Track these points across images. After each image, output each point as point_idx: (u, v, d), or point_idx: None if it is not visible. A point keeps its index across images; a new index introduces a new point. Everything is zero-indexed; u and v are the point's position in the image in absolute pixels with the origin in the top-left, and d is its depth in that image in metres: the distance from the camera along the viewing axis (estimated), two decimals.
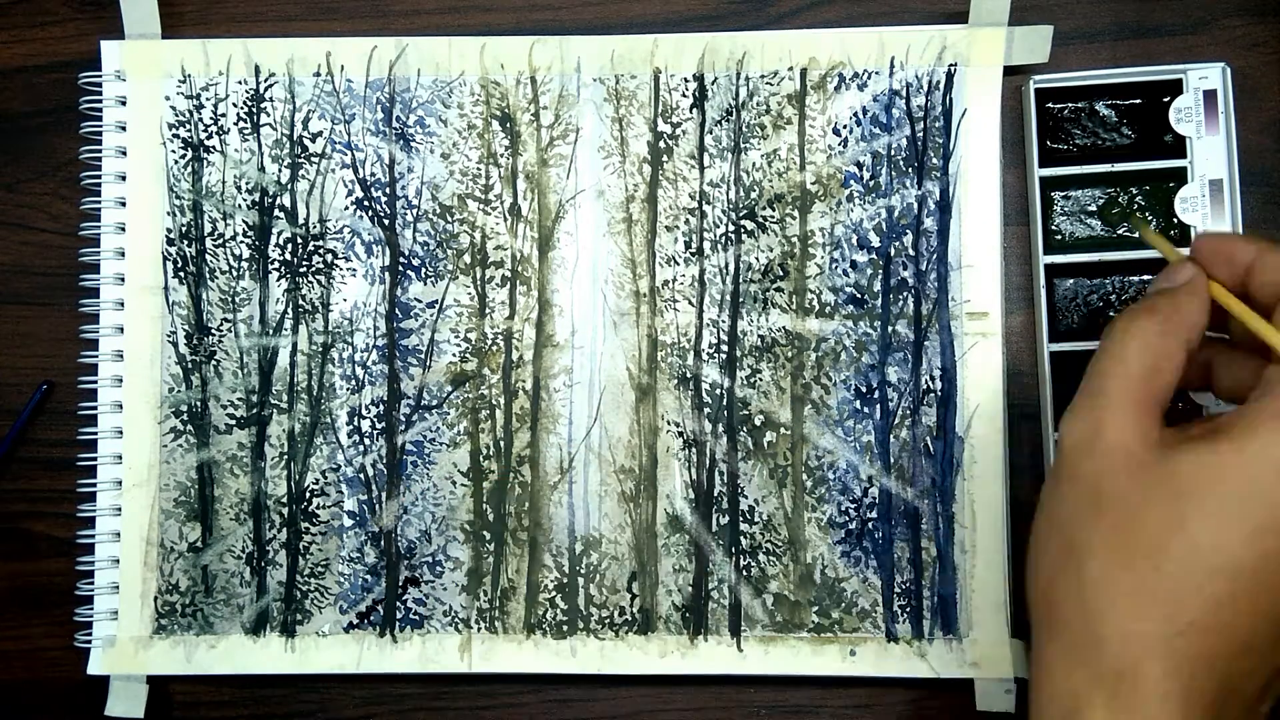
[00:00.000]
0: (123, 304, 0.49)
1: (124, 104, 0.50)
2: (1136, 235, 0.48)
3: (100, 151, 0.49)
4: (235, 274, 0.49)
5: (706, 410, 0.48)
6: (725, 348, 0.48)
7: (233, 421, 0.49)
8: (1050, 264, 0.48)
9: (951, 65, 0.48)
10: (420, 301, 0.49)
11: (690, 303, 0.49)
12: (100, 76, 0.50)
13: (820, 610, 0.48)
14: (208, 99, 0.50)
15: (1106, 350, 0.35)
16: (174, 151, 0.50)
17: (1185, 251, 0.39)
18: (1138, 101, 0.48)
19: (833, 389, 0.48)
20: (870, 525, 0.48)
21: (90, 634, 0.49)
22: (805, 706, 0.48)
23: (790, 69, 0.49)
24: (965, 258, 0.48)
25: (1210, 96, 0.47)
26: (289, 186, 0.49)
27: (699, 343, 0.48)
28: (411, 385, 0.49)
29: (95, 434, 0.49)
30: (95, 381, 0.49)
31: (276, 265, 0.49)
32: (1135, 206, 0.48)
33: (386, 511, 0.49)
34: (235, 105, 0.49)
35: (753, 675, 0.48)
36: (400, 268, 0.49)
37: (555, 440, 0.48)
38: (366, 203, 0.49)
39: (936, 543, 0.48)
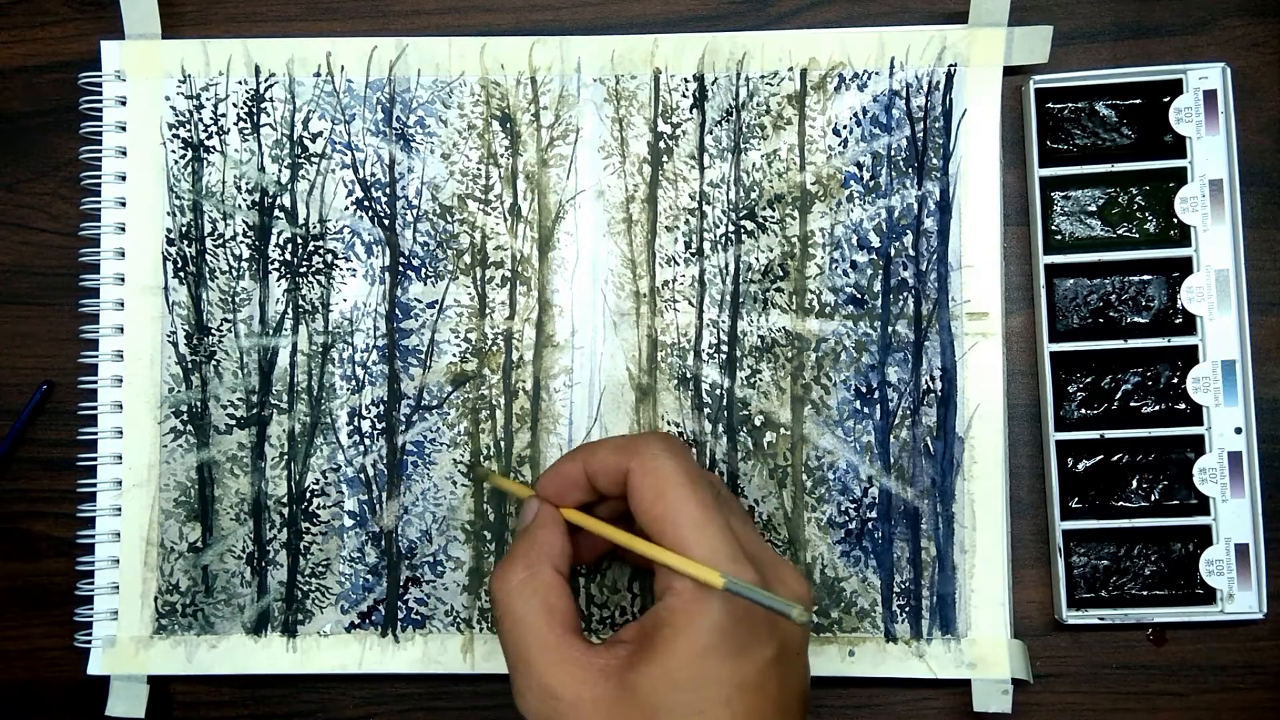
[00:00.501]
0: (123, 304, 0.49)
1: (124, 104, 0.50)
2: (1136, 236, 0.48)
3: (100, 151, 0.49)
4: (235, 274, 0.49)
5: (706, 410, 0.48)
6: (725, 348, 0.48)
7: (233, 421, 0.49)
8: (1050, 264, 0.48)
9: (951, 65, 0.48)
10: (420, 302, 0.49)
11: (690, 303, 0.49)
12: (100, 76, 0.50)
13: (819, 610, 0.48)
14: (208, 99, 0.50)
15: (501, 620, 0.38)
16: (174, 151, 0.50)
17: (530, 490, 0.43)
18: (1138, 101, 0.48)
19: (833, 389, 0.48)
20: (870, 525, 0.48)
21: (90, 634, 0.49)
22: None
23: (790, 69, 0.49)
24: (965, 258, 0.48)
25: (1210, 96, 0.47)
26: (289, 187, 0.49)
27: (699, 343, 0.48)
28: (412, 385, 0.49)
29: (95, 434, 0.49)
30: (95, 381, 0.49)
31: (276, 265, 0.49)
32: (1134, 204, 0.48)
33: (387, 511, 0.49)
34: (235, 105, 0.49)
35: None
36: (400, 268, 0.49)
37: (555, 440, 0.48)
38: (366, 203, 0.49)
39: (936, 543, 0.48)
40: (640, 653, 0.36)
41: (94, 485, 0.49)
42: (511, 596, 0.38)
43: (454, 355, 0.49)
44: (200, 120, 0.50)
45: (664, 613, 0.36)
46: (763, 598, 0.34)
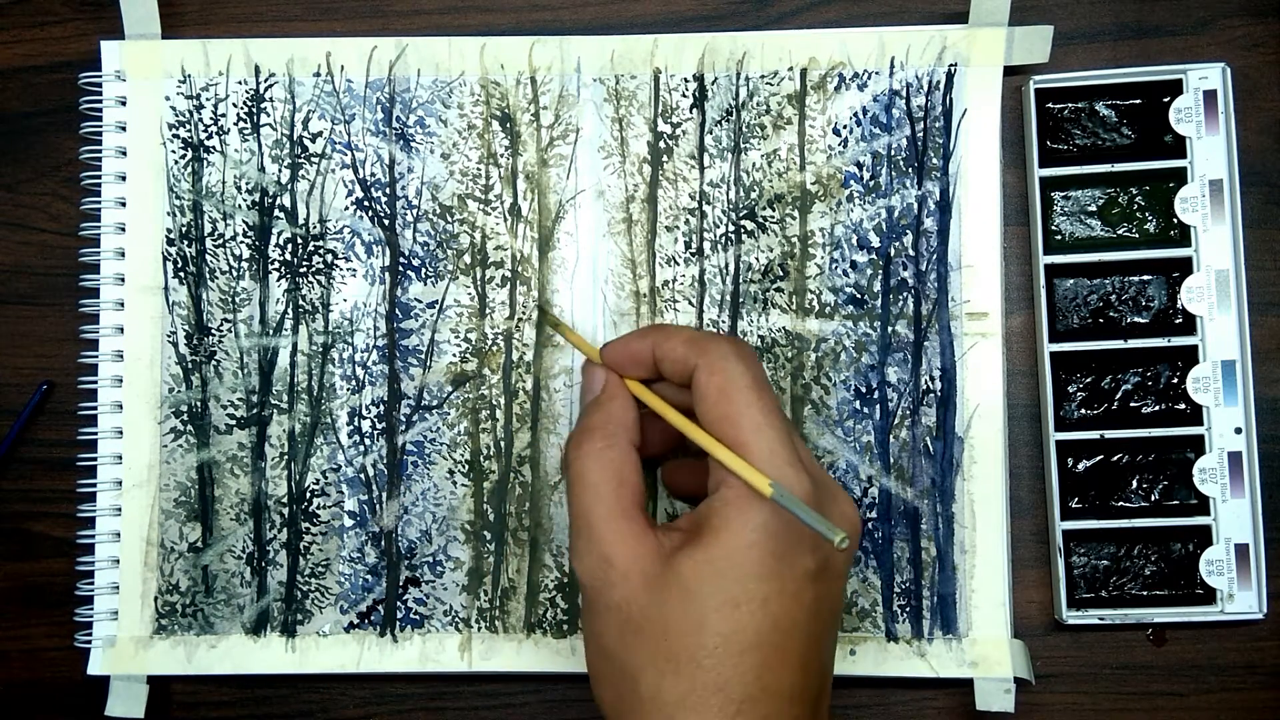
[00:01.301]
0: (123, 304, 0.49)
1: (124, 104, 0.50)
2: (1136, 236, 0.48)
3: (100, 151, 0.49)
4: (235, 274, 0.49)
5: None
6: None
7: (233, 422, 0.49)
8: (1050, 264, 0.48)
9: (951, 65, 0.48)
10: (420, 302, 0.49)
11: (690, 303, 0.49)
12: (100, 77, 0.50)
13: None
14: (208, 99, 0.50)
15: (573, 484, 0.39)
16: (174, 151, 0.50)
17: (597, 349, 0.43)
18: (1138, 101, 0.48)
19: (832, 389, 0.48)
20: (870, 525, 0.48)
21: (90, 634, 0.49)
22: None
23: (790, 69, 0.49)
24: (965, 258, 0.48)
25: (1210, 96, 0.47)
26: (289, 187, 0.49)
27: None
28: (412, 385, 0.49)
29: (95, 434, 0.49)
30: (95, 381, 0.49)
31: (276, 265, 0.49)
32: (1134, 204, 0.48)
33: (387, 511, 0.49)
34: (235, 105, 0.49)
35: None
36: (400, 268, 0.49)
37: (556, 440, 0.48)
38: (366, 203, 0.49)
39: (936, 543, 0.48)
40: (690, 539, 0.37)
41: (94, 485, 0.49)
42: (587, 464, 0.38)
43: (454, 355, 0.49)
44: (200, 120, 0.50)
45: (716, 504, 0.37)
46: (807, 515, 0.34)
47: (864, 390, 0.48)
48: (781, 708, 0.36)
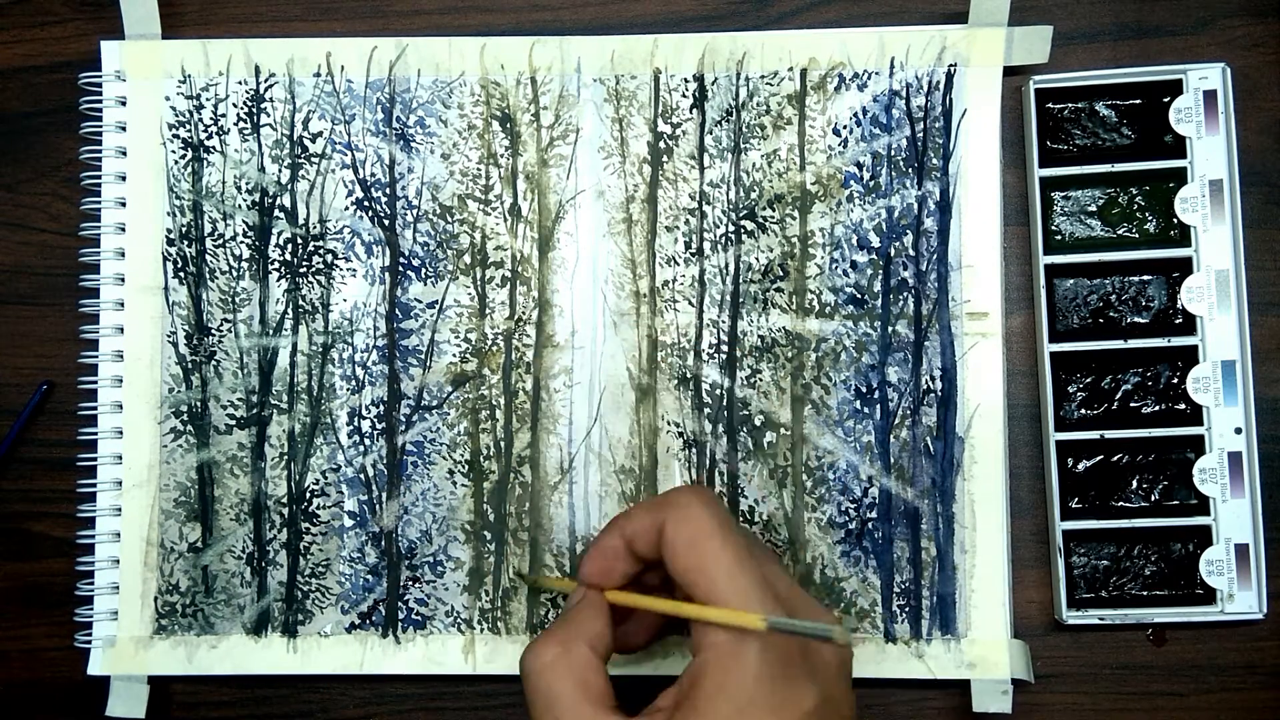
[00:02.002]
0: (123, 304, 0.49)
1: (124, 104, 0.50)
2: (1136, 236, 0.48)
3: (100, 152, 0.49)
4: (235, 274, 0.49)
5: (706, 410, 0.48)
6: (725, 348, 0.48)
7: (233, 422, 0.49)
8: (1050, 264, 0.48)
9: (951, 65, 0.48)
10: (420, 302, 0.49)
11: (690, 303, 0.49)
12: (100, 77, 0.50)
13: None
14: (208, 99, 0.50)
15: (532, 697, 0.37)
16: (174, 152, 0.50)
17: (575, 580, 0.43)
18: (1138, 102, 0.48)
19: (833, 389, 0.48)
20: (870, 525, 0.48)
21: (90, 634, 0.49)
22: None
23: (790, 69, 0.49)
24: (965, 258, 0.48)
25: (1210, 96, 0.47)
26: (289, 187, 0.49)
27: (699, 343, 0.48)
28: (412, 385, 0.49)
29: (95, 434, 0.49)
30: (95, 382, 0.49)
31: (276, 265, 0.49)
32: (1134, 204, 0.48)
33: (387, 512, 0.49)
34: (235, 105, 0.49)
35: None
36: (400, 268, 0.49)
37: (555, 440, 0.48)
38: (366, 203, 0.49)
39: (936, 543, 0.48)
40: (679, 714, 0.35)
41: (94, 485, 0.49)
42: (543, 674, 0.37)
43: (454, 355, 0.49)
44: (200, 120, 0.50)
45: (700, 669, 0.36)
46: (805, 628, 0.34)
47: (864, 390, 0.48)
48: None
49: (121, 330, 0.49)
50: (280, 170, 0.49)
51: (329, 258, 0.49)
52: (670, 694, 0.37)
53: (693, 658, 0.36)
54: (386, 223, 0.49)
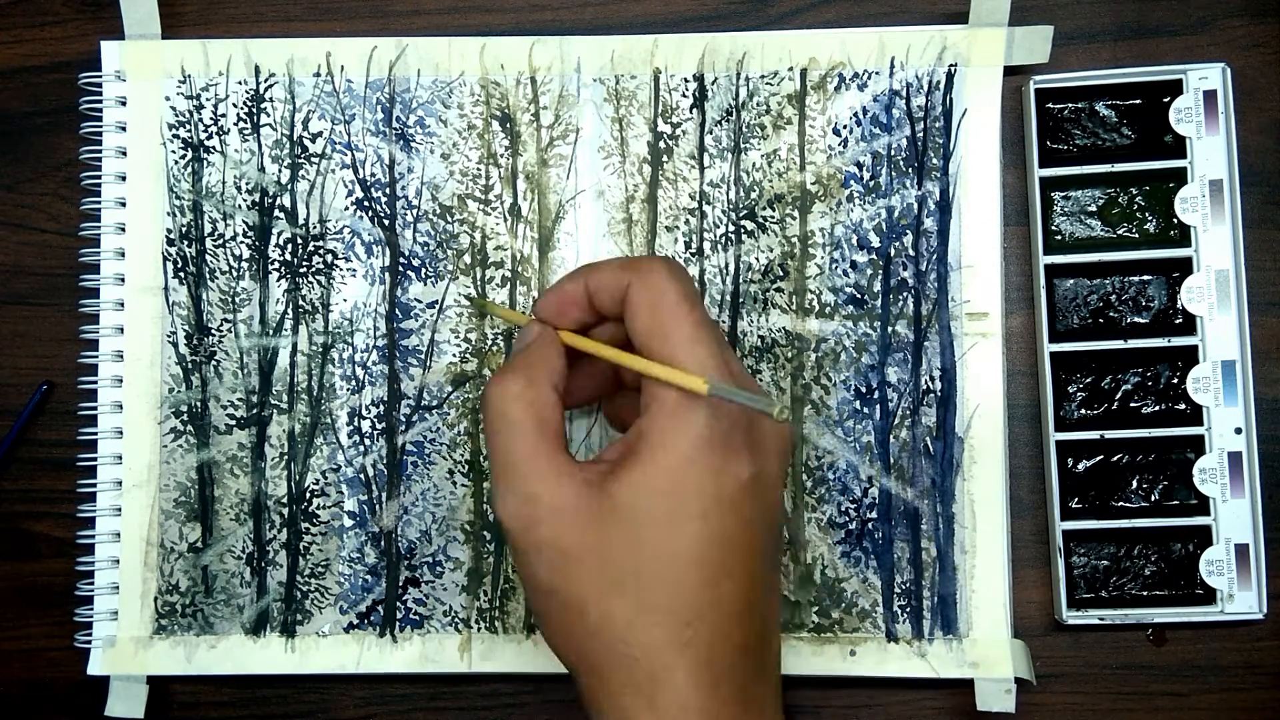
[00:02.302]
0: (123, 304, 0.49)
1: (124, 104, 0.50)
2: (1136, 236, 0.48)
3: (100, 152, 0.49)
4: (235, 274, 0.49)
5: None
6: None
7: (233, 422, 0.49)
8: (1050, 264, 0.48)
9: (951, 65, 0.48)
10: (420, 302, 0.49)
11: None
12: (100, 77, 0.50)
13: (820, 610, 0.48)
14: (208, 99, 0.50)
15: (492, 424, 0.38)
16: (174, 152, 0.50)
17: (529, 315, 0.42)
18: (1138, 102, 0.48)
19: (832, 389, 0.48)
20: (870, 525, 0.48)
21: (90, 634, 0.49)
22: (805, 706, 0.48)
23: (790, 69, 0.49)
24: (965, 258, 0.48)
25: (1210, 97, 0.47)
26: (289, 187, 0.49)
27: None
28: (412, 385, 0.49)
29: (95, 434, 0.49)
30: (95, 382, 0.49)
31: (276, 265, 0.49)
32: (1134, 204, 0.48)
33: (387, 512, 0.49)
34: (235, 105, 0.49)
35: None
36: (400, 268, 0.49)
37: None
38: (366, 203, 0.49)
39: (936, 543, 0.48)
40: (622, 463, 0.36)
41: (94, 485, 0.49)
42: (507, 403, 0.37)
43: (454, 355, 0.49)
44: (200, 120, 0.50)
45: (646, 424, 0.36)
46: (746, 398, 0.34)
47: (864, 390, 0.48)
48: (731, 624, 0.36)
49: (121, 330, 0.49)
50: (280, 170, 0.49)
51: (329, 258, 0.49)
52: (615, 448, 0.38)
53: (641, 414, 0.37)
54: (386, 223, 0.49)
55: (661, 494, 0.35)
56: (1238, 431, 0.47)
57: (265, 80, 0.49)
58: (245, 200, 0.49)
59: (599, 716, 0.36)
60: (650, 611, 0.35)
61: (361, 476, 0.49)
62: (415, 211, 0.49)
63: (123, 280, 0.49)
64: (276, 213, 0.49)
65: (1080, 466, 0.48)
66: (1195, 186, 0.47)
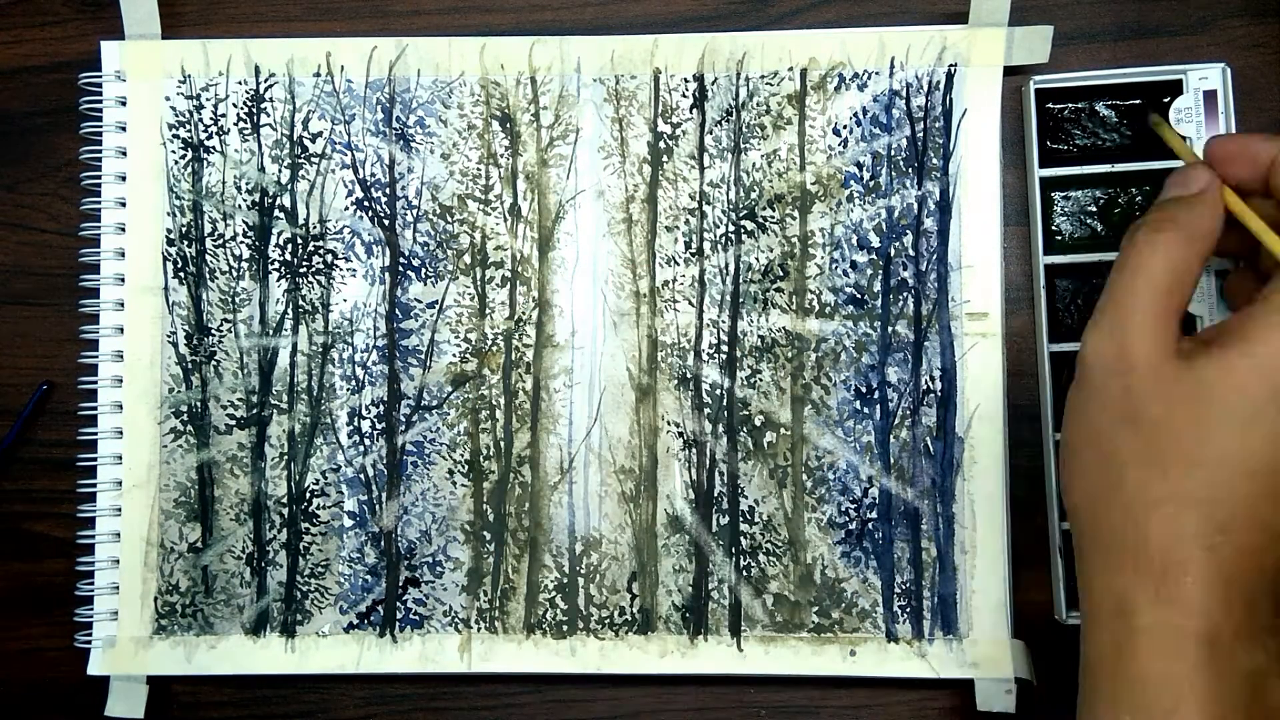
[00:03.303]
0: (123, 304, 0.49)
1: (124, 104, 0.50)
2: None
3: (100, 152, 0.49)
4: (235, 274, 0.49)
5: (706, 410, 0.48)
6: (725, 348, 0.48)
7: (233, 422, 0.49)
8: (1050, 264, 0.48)
9: (951, 65, 0.48)
10: (420, 302, 0.49)
11: (690, 303, 0.49)
12: (100, 77, 0.50)
13: (820, 610, 0.48)
14: (208, 99, 0.50)
15: (1130, 264, 0.36)
16: (174, 152, 0.50)
17: (1199, 154, 0.40)
18: (1138, 102, 0.48)
19: (833, 389, 0.48)
20: (870, 525, 0.48)
21: (90, 634, 0.49)
22: (805, 707, 0.48)
23: (790, 69, 0.49)
24: (965, 258, 0.48)
25: (1210, 97, 0.47)
26: (289, 187, 0.49)
27: (699, 343, 0.48)
28: (411, 386, 0.49)
29: (95, 434, 0.49)
30: (95, 382, 0.49)
31: (276, 266, 0.49)
32: (1134, 204, 0.48)
33: (387, 512, 0.49)
34: (235, 105, 0.49)
35: (753, 675, 0.48)
36: (400, 268, 0.49)
37: (555, 441, 0.48)
38: (366, 203, 0.49)
39: (936, 543, 0.48)
40: (1215, 343, 0.34)
41: (94, 486, 0.49)
42: (1152, 251, 0.36)
43: (454, 355, 0.49)
44: (200, 120, 0.50)
45: (1258, 312, 0.34)
46: None
47: (864, 390, 0.48)
48: (1266, 544, 0.33)
49: (121, 330, 0.49)
50: (280, 170, 0.49)
51: (329, 258, 0.49)
52: (1217, 326, 0.36)
53: (1254, 302, 0.35)
54: (386, 223, 0.49)
55: (1245, 391, 0.33)
56: None
57: (265, 80, 0.49)
58: (245, 200, 0.49)
59: (1090, 579, 0.35)
60: (1186, 502, 0.33)
61: (361, 476, 0.49)
62: (415, 211, 0.49)
63: (123, 280, 0.49)
64: (276, 213, 0.49)
65: None
66: None
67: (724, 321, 0.48)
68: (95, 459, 0.49)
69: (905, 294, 0.48)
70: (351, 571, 0.49)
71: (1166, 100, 0.47)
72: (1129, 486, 0.34)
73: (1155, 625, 0.34)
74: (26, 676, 0.50)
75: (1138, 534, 0.34)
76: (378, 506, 0.49)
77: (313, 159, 0.49)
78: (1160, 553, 0.34)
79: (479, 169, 0.49)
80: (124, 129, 0.50)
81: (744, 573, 0.48)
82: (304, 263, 0.49)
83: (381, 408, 0.49)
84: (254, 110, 0.49)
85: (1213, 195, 0.38)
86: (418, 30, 0.50)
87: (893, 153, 0.48)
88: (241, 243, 0.49)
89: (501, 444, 0.49)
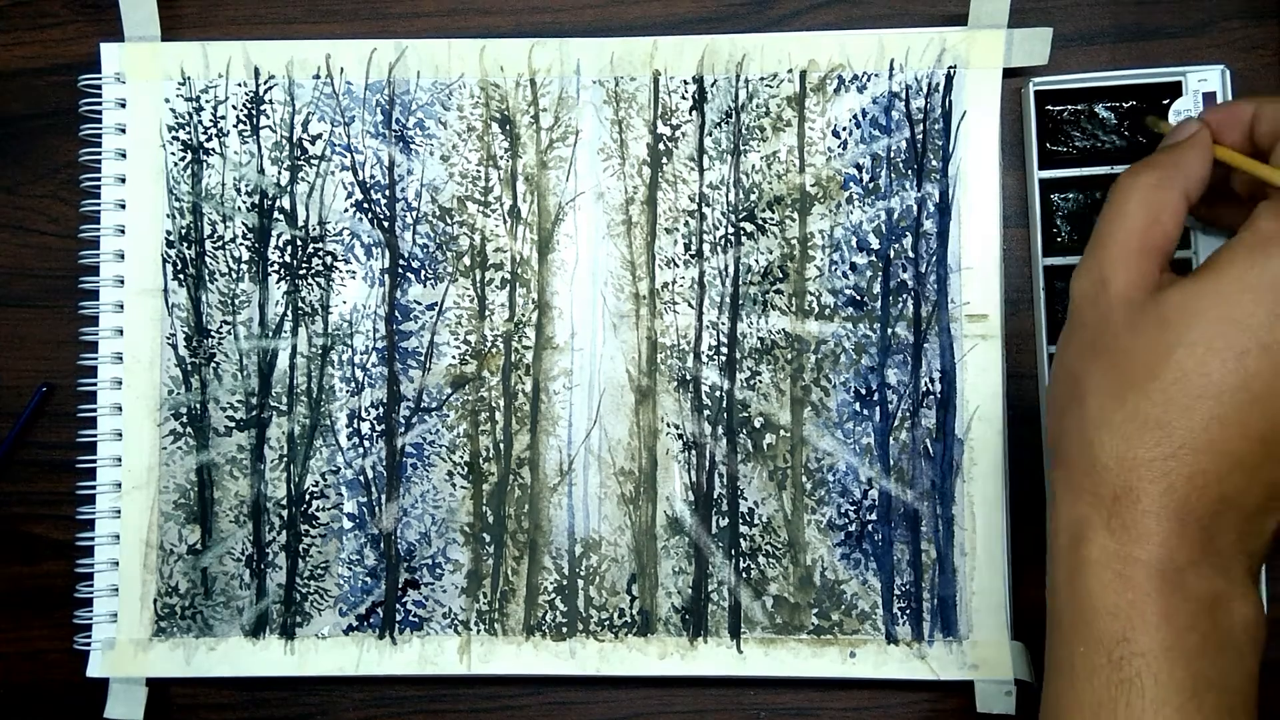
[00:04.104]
0: (122, 306, 0.49)
1: (124, 106, 0.50)
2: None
3: (100, 154, 0.50)
4: (235, 276, 0.49)
5: (706, 412, 0.48)
6: (725, 350, 0.48)
7: (232, 424, 0.49)
8: (1050, 266, 0.48)
9: (951, 67, 0.48)
10: (420, 304, 0.49)
11: (690, 305, 0.49)
12: (100, 79, 0.50)
13: (820, 612, 0.48)
14: (207, 101, 0.50)
15: (1109, 206, 0.37)
16: (173, 154, 0.50)
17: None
18: (1137, 104, 0.48)
19: (832, 391, 0.48)
20: (870, 527, 0.48)
21: (90, 636, 0.49)
22: (805, 708, 0.48)
23: (790, 71, 0.49)
24: (965, 260, 0.48)
25: (1210, 99, 0.47)
26: (288, 189, 0.49)
27: (699, 345, 0.48)
28: (411, 387, 0.49)
29: (95, 436, 0.49)
30: (95, 384, 0.49)
31: (276, 267, 0.49)
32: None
33: (386, 514, 0.49)
34: (235, 108, 0.50)
35: (752, 677, 0.48)
36: (400, 270, 0.49)
37: (555, 443, 0.48)
38: (366, 205, 0.49)
39: (936, 545, 0.48)
40: (1193, 273, 0.35)
41: (93, 487, 0.49)
42: (1132, 194, 0.37)
43: (453, 357, 0.49)
44: (200, 122, 0.50)
45: (1228, 245, 0.35)
46: None
47: (864, 392, 0.48)
48: (1224, 473, 0.34)
49: (121, 332, 0.49)
50: (280, 172, 0.49)
51: (328, 260, 0.49)
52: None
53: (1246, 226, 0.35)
54: (386, 225, 0.49)
55: (1204, 316, 0.34)
56: None
57: (265, 82, 0.49)
58: (245, 202, 0.49)
59: (1055, 509, 0.36)
60: (1142, 425, 0.34)
61: (361, 478, 0.49)
62: (415, 213, 0.49)
63: (122, 282, 0.49)
64: (276, 215, 0.49)
65: None
66: None
67: (723, 323, 0.48)
68: (95, 461, 0.49)
69: (905, 296, 0.48)
70: (351, 573, 0.49)
71: (1166, 102, 0.47)
72: (1088, 413, 0.35)
73: (1105, 554, 0.34)
74: (26, 678, 0.50)
75: (1092, 459, 0.35)
76: (377, 508, 0.49)
77: (312, 161, 0.49)
78: (1113, 478, 0.34)
79: (479, 171, 0.49)
80: (124, 131, 0.50)
81: (744, 574, 0.48)
82: (303, 265, 0.49)
83: (381, 409, 0.49)
84: (253, 112, 0.50)
85: (1200, 139, 0.39)
86: (417, 32, 0.50)
87: (892, 154, 0.48)
88: (241, 245, 0.49)
89: (501, 446, 0.49)
